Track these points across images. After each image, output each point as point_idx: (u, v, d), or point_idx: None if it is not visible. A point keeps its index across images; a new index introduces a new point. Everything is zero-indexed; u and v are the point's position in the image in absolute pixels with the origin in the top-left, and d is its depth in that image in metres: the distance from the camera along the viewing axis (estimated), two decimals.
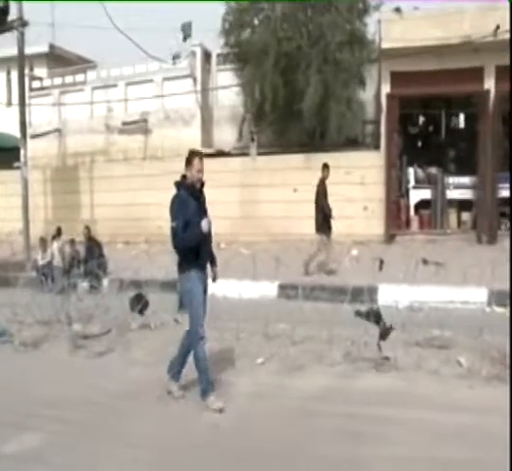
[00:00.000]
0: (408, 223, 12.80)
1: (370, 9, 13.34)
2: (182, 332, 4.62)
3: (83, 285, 9.13)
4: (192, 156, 4.41)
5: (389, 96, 12.68)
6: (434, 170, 13.09)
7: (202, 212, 4.43)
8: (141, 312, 6.57)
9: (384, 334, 5.12)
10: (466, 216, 12.77)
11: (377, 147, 13.21)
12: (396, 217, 12.63)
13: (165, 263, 7.61)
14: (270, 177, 13.00)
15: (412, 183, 13.06)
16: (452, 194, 12.76)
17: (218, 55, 15.89)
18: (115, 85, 16.63)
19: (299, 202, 12.40)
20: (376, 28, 13.31)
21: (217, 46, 15.11)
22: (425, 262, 8.07)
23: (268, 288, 7.68)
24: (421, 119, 16.22)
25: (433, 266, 7.86)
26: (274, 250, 9.44)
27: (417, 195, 12.89)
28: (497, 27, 11.28)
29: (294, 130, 13.77)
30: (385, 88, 12.81)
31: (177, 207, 4.32)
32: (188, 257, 4.37)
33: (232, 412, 4.26)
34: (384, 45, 12.25)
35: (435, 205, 12.80)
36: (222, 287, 7.53)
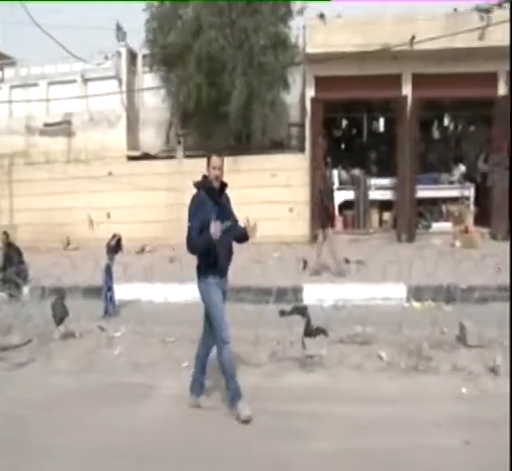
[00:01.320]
0: (332, 223, 13.10)
1: (293, 13, 13.58)
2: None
3: (1, 294, 8.74)
4: (210, 155, 4.33)
5: (314, 100, 12.97)
6: (357, 172, 13.51)
7: (223, 214, 4.26)
8: (60, 323, 6.30)
9: (312, 333, 5.22)
10: (387, 216, 13.26)
11: (302, 150, 13.48)
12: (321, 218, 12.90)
13: (88, 269, 7.46)
14: (196, 179, 12.94)
15: (336, 184, 13.41)
16: (374, 195, 13.20)
17: (144, 56, 15.65)
18: (36, 84, 15.96)
19: None
20: (299, 33, 13.59)
21: (143, 47, 14.87)
22: (347, 261, 8.33)
23: (195, 292, 7.62)
24: (344, 122, 16.69)
25: (354, 264, 8.12)
26: None
27: (341, 196, 13.25)
28: (413, 38, 11.80)
29: (220, 132, 13.81)
30: (310, 92, 13.10)
31: (194, 207, 4.19)
32: (206, 261, 4.22)
33: (156, 416, 4.23)
34: (309, 50, 12.52)
35: (358, 206, 13.21)
36: (147, 292, 7.51)
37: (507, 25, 11.48)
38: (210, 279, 4.23)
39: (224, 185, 4.33)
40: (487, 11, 12.18)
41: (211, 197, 4.23)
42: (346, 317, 6.23)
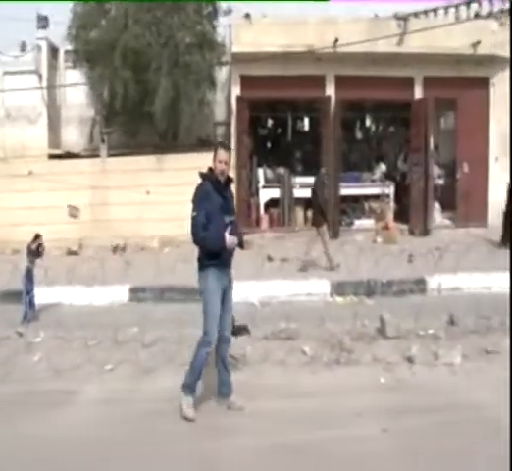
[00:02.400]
0: (258, 221, 13.23)
1: (219, 12, 13.58)
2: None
3: None
4: (217, 147, 4.25)
5: (239, 99, 13.02)
6: (282, 170, 13.67)
7: (226, 208, 4.21)
8: None
9: (236, 332, 5.25)
10: (311, 213, 13.50)
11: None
12: (247, 216, 13.01)
13: (6, 272, 7.14)
14: (121, 179, 12.68)
15: (262, 182, 13.53)
16: (299, 193, 13.34)
17: (66, 51, 15.08)
18: None
19: (152, 204, 12.29)
20: (226, 32, 13.59)
21: (65, 42, 14.31)
22: (269, 259, 8.45)
23: (118, 293, 7.51)
24: (269, 121, 16.86)
25: (278, 262, 8.25)
26: (126, 254, 9.29)
27: (266, 194, 13.39)
28: (336, 40, 12.09)
29: (146, 131, 13.59)
30: (236, 91, 13.13)
31: (199, 198, 4.12)
32: (209, 253, 4.14)
33: (79, 422, 4.12)
34: (235, 49, 12.54)
35: (284, 204, 13.37)
36: (68, 295, 7.29)
37: (423, 33, 12.06)
38: (210, 271, 4.16)
39: (229, 180, 4.31)
40: (405, 19, 12.70)
41: (216, 189, 4.17)
42: (271, 314, 6.33)
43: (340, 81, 13.03)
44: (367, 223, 13.25)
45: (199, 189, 4.18)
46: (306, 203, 13.54)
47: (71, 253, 11.37)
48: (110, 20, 13.06)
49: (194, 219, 4.09)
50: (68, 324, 5.85)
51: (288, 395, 4.54)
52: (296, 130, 16.38)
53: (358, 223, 13.41)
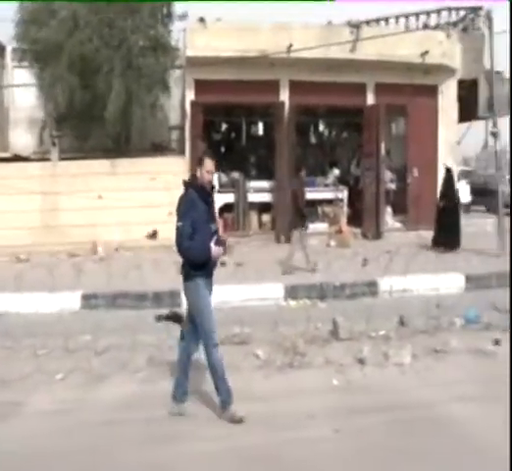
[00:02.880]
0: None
1: (174, 16, 13.49)
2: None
3: None
4: (204, 156, 4.23)
5: (193, 103, 12.98)
6: (236, 175, 13.69)
7: (212, 216, 4.23)
8: None
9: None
10: (266, 218, 13.55)
11: (182, 153, 13.42)
12: None
13: None
14: (72, 183, 12.41)
15: (216, 187, 13.48)
16: (253, 198, 13.42)
17: (14, 50, 14.64)
18: None
19: (105, 209, 12.07)
20: (179, 36, 13.54)
21: (12, 40, 13.87)
22: (222, 264, 8.41)
23: (69, 300, 7.34)
24: (224, 126, 16.90)
25: (232, 266, 8.25)
26: (77, 259, 9.11)
27: (221, 199, 13.36)
28: (290, 46, 12.22)
29: (98, 134, 13.35)
30: (190, 95, 13.08)
31: (185, 207, 4.08)
32: (194, 264, 4.12)
33: (26, 433, 4.01)
34: (189, 53, 12.49)
35: (238, 208, 13.40)
36: (16, 303, 7.07)
37: (375, 41, 12.36)
38: (198, 279, 4.15)
39: (212, 187, 4.28)
40: (358, 27, 12.97)
41: (201, 197, 4.16)
42: (224, 319, 6.27)
43: (294, 87, 13.18)
44: (321, 227, 13.40)
45: (184, 198, 4.16)
46: (261, 207, 13.64)
47: (19, 260, 11.05)
48: (59, 20, 12.79)
49: (180, 229, 4.06)
50: (16, 333, 5.68)
51: (242, 400, 4.50)
52: (250, 134, 16.47)
53: (312, 227, 13.47)
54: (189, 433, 4.01)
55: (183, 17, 13.30)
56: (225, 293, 7.35)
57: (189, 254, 4.10)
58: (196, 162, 4.30)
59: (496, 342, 5.78)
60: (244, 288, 7.53)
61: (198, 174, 4.19)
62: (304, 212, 9.84)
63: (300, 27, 12.67)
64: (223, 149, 16.12)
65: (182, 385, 4.37)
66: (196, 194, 4.15)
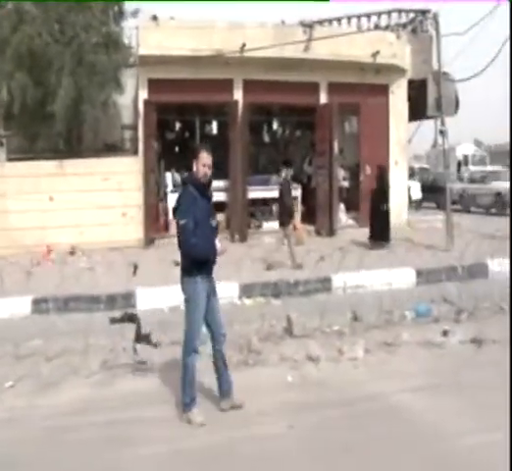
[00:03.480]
0: (167, 226, 13.08)
1: (126, 13, 13.28)
2: None
3: None
4: (199, 148, 4.21)
5: (147, 102, 12.82)
6: None
7: (212, 211, 4.20)
8: None
9: (141, 338, 5.19)
10: (220, 217, 13.53)
11: (135, 152, 13.26)
12: (155, 221, 12.84)
13: None
14: (21, 184, 12.07)
15: (170, 187, 13.40)
16: None
17: None
18: None
19: (56, 211, 11.80)
20: (132, 33, 13.35)
21: None
22: (177, 264, 8.37)
23: (19, 305, 7.14)
24: (178, 125, 16.78)
25: None
26: (28, 263, 8.88)
27: (175, 199, 13.22)
28: (244, 45, 12.23)
29: (48, 134, 13.04)
30: (143, 94, 12.92)
31: (187, 204, 4.05)
32: (196, 262, 4.10)
33: None
34: (142, 51, 12.32)
35: None
36: None
37: (327, 41, 12.51)
38: (198, 278, 4.13)
39: (209, 181, 4.23)
40: (310, 26, 13.10)
41: (201, 194, 4.13)
42: (180, 319, 6.27)
43: (248, 86, 13.21)
44: (275, 225, 13.45)
45: (185, 195, 4.14)
46: (215, 207, 13.54)
47: None
48: (4, 15, 12.40)
49: (184, 226, 4.01)
50: None
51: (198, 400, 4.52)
52: (204, 133, 16.39)
53: (266, 225, 13.61)
54: (142, 435, 3.97)
55: (135, 14, 13.13)
56: (180, 293, 7.33)
57: (196, 251, 4.07)
58: (192, 155, 4.24)
59: (445, 334, 5.96)
60: None
61: (194, 168, 4.16)
62: (291, 209, 10.10)
63: (254, 27, 12.71)
64: (177, 149, 16.00)
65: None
66: (196, 191, 4.13)
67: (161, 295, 7.23)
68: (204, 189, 4.19)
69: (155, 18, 12.35)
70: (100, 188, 12.00)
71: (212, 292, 4.29)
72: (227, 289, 7.65)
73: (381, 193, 11.77)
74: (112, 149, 14.38)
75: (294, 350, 5.46)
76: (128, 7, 13.34)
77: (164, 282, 7.05)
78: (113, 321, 5.23)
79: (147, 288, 7.42)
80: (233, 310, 6.81)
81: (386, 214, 11.61)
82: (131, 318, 5.13)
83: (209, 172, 4.18)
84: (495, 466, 3.50)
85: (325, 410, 4.27)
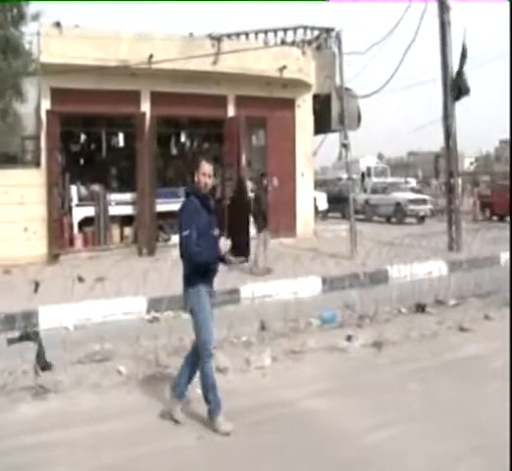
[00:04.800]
0: (72, 241, 12.66)
1: (26, 16, 12.72)
2: None
3: None
4: (200, 158, 4.25)
5: (50, 112, 12.34)
6: (96, 187, 13.23)
7: (214, 222, 4.21)
8: None
9: (41, 359, 4.97)
10: (128, 231, 13.27)
11: (38, 164, 12.73)
12: (60, 236, 12.36)
13: None
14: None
15: (75, 200, 12.98)
16: (115, 210, 13.08)
17: None
18: None
19: None
20: (33, 39, 12.85)
21: None
22: (80, 279, 8.17)
23: None
24: (83, 137, 16.30)
25: (92, 282, 8.00)
26: None
27: (80, 213, 12.86)
28: (151, 56, 12.14)
29: None
30: (46, 104, 12.42)
31: (189, 215, 4.07)
32: (199, 271, 4.14)
33: None
34: (44, 59, 11.86)
35: (99, 222, 12.95)
36: None
37: (235, 55, 12.75)
38: (201, 286, 4.16)
39: (212, 191, 4.17)
40: (219, 40, 13.26)
41: (203, 204, 4.16)
42: (85, 336, 6.11)
43: (156, 98, 13.14)
44: None
45: (187, 206, 4.15)
46: (122, 220, 13.33)
47: None
48: None
49: (187, 237, 4.04)
50: None
51: (104, 418, 4.42)
52: (111, 146, 16.08)
53: (175, 238, 13.51)
54: (46, 460, 3.81)
55: (37, 17, 12.62)
56: (85, 310, 7.14)
57: (199, 258, 4.09)
58: (193, 166, 4.25)
59: (349, 339, 6.22)
60: (106, 304, 7.33)
61: (195, 178, 4.18)
62: (266, 215, 10.54)
63: (162, 38, 12.68)
64: (82, 161, 15.55)
65: (184, 384, 4.39)
66: (198, 201, 4.16)
67: (65, 313, 7.00)
68: (206, 200, 4.24)
69: (58, 24, 11.90)
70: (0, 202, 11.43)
71: (212, 301, 4.36)
72: (134, 304, 7.58)
73: (240, 206, 11.79)
74: (12, 161, 13.74)
75: None
76: (30, 10, 12.79)
77: (68, 299, 6.84)
78: (11, 341, 4.97)
79: (50, 307, 7.14)
80: (142, 326, 6.72)
81: (246, 227, 11.62)
82: (31, 337, 4.90)
83: (209, 181, 4.21)
84: (398, 459, 3.75)
85: (234, 419, 4.31)
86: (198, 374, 4.32)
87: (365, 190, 24.77)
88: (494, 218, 21.80)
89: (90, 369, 5.36)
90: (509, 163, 15.48)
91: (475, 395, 4.76)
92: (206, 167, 4.19)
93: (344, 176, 19.63)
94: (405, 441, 3.98)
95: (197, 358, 4.27)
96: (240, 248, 11.04)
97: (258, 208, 10.51)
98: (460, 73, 12.43)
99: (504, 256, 11.77)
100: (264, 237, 10.27)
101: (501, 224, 19.25)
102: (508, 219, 20.02)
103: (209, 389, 4.21)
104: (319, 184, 23.94)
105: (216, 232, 4.26)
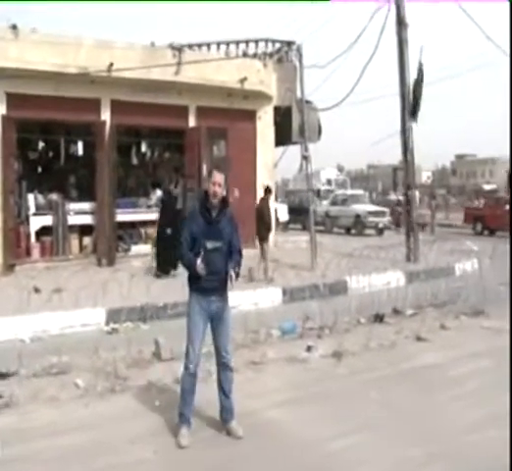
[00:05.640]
0: (29, 251, 12.32)
1: None
2: None
3: None
4: (213, 169, 4.34)
5: (5, 118, 12.02)
6: (54, 196, 12.94)
7: (212, 233, 4.15)
8: None
9: None
10: (87, 240, 13.00)
11: None
12: (16, 245, 12.00)
13: None
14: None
15: (32, 209, 12.68)
16: (73, 220, 12.80)
17: None
18: None
19: None
20: None
21: None
22: (36, 290, 7.98)
23: None
24: (41, 144, 16.01)
25: (49, 293, 7.84)
26: None
27: (38, 222, 12.55)
28: (111, 64, 12.02)
29: None
30: (1, 109, 12.14)
31: (187, 220, 4.28)
32: (191, 276, 4.19)
33: None
34: None
35: (57, 231, 12.65)
36: None
37: (196, 65, 12.76)
38: (193, 297, 4.21)
39: (225, 203, 4.23)
40: (180, 50, 13.25)
41: (204, 212, 4.18)
42: (42, 349, 5.97)
43: (116, 106, 12.98)
44: (144, 248, 13.26)
45: (190, 213, 4.44)
46: (81, 230, 13.10)
47: None
48: None
49: (181, 240, 4.19)
50: None
51: (60, 433, 4.32)
52: (70, 154, 15.85)
53: (135, 249, 13.35)
54: None
55: None
56: (41, 322, 6.97)
57: (182, 260, 4.21)
58: (207, 174, 4.40)
59: (309, 349, 6.27)
60: (63, 315, 7.17)
61: (208, 188, 4.23)
62: (269, 226, 10.89)
63: (122, 47, 12.56)
64: (40, 169, 15.25)
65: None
66: (199, 208, 4.23)
67: (21, 325, 6.81)
68: (206, 210, 4.20)
69: (15, 27, 11.60)
70: None
71: (216, 315, 4.27)
72: (93, 316, 7.44)
73: (167, 217, 11.58)
74: None
75: (162, 374, 5.42)
76: None
77: (24, 310, 6.67)
78: None
79: (5, 318, 6.93)
80: (101, 337, 6.60)
81: (173, 239, 11.04)
82: None
83: (219, 190, 4.18)
84: (358, 467, 3.82)
85: (195, 431, 4.27)
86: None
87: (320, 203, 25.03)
88: (486, 232, 21.69)
89: (47, 382, 5.24)
90: (509, 166, 15.72)
91: (431, 403, 4.87)
92: (217, 177, 4.19)
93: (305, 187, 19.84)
94: (365, 448, 4.05)
95: (220, 376, 4.39)
96: (168, 260, 10.72)
97: (261, 220, 10.80)
98: (416, 90, 12.78)
99: (459, 267, 12.14)
100: (265, 248, 10.66)
101: (492, 238, 19.29)
102: (499, 233, 20.37)
103: (183, 402, 4.25)
104: (280, 196, 24.15)
105: (211, 244, 4.12)
